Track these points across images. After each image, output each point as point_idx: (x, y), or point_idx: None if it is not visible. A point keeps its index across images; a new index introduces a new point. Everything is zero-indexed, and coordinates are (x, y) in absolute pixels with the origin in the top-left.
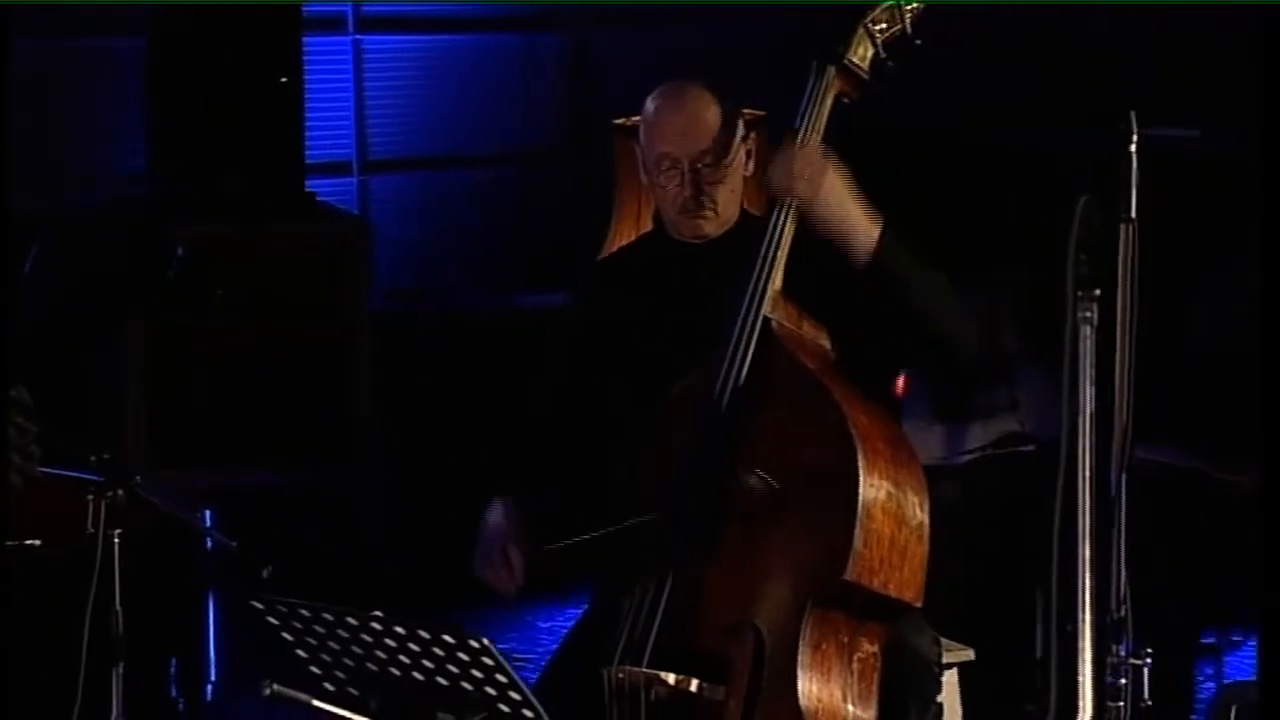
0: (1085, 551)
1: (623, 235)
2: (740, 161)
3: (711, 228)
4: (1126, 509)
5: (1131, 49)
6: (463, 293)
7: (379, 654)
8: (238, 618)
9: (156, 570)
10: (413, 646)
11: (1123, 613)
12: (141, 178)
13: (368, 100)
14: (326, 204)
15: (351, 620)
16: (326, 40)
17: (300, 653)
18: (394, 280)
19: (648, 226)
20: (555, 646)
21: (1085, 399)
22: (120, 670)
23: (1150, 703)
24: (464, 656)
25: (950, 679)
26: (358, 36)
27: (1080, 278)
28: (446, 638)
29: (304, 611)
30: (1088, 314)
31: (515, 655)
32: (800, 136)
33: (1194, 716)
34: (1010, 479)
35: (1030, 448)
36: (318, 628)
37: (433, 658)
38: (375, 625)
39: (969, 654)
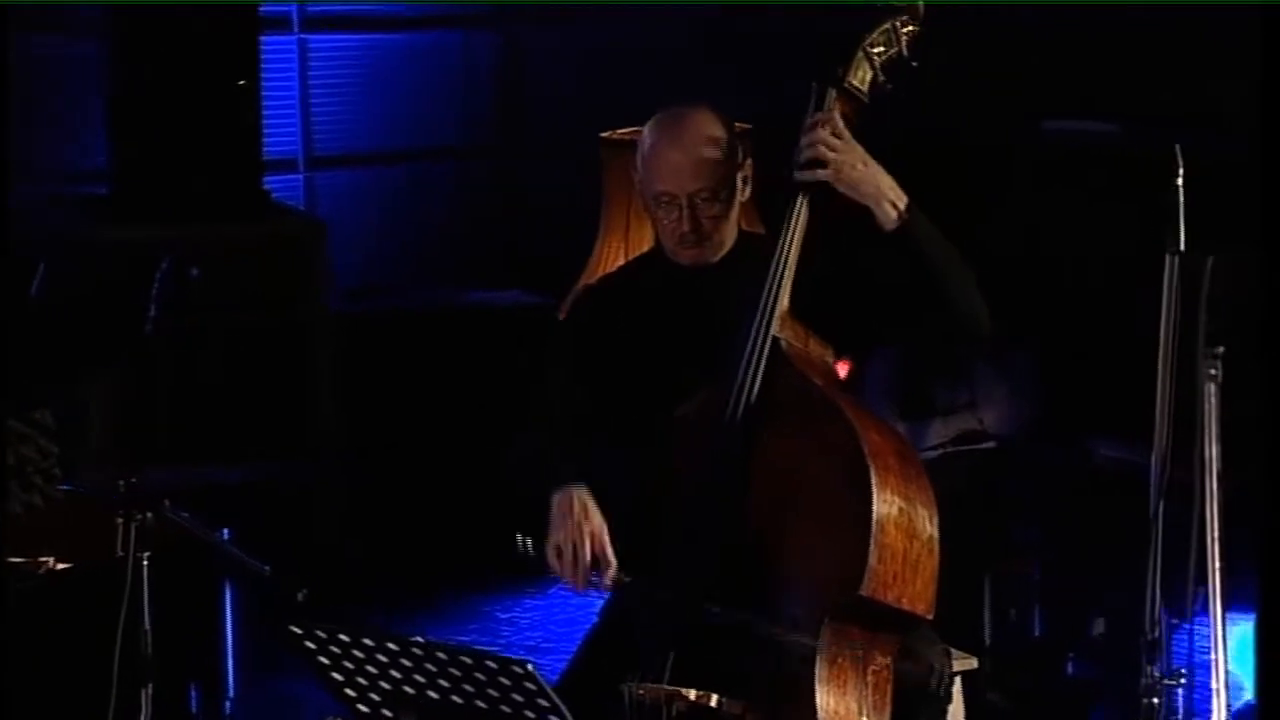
0: (1218, 608)
1: (611, 248)
2: (739, 189)
3: (711, 256)
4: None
5: (1044, 41)
6: (418, 290)
7: (418, 677)
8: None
9: (176, 589)
10: (454, 671)
11: (1157, 634)
12: (102, 175)
13: (312, 98)
14: (283, 203)
15: (392, 645)
16: (272, 40)
17: (335, 675)
18: (340, 276)
19: (637, 239)
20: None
21: (1210, 456)
22: (149, 691)
23: None
24: (506, 681)
25: (955, 687)
26: (303, 36)
27: (1208, 335)
28: (490, 663)
29: (343, 636)
30: (1213, 371)
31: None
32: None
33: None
34: (969, 475)
35: (989, 444)
36: (356, 652)
37: (474, 682)
38: (416, 650)
39: (973, 662)
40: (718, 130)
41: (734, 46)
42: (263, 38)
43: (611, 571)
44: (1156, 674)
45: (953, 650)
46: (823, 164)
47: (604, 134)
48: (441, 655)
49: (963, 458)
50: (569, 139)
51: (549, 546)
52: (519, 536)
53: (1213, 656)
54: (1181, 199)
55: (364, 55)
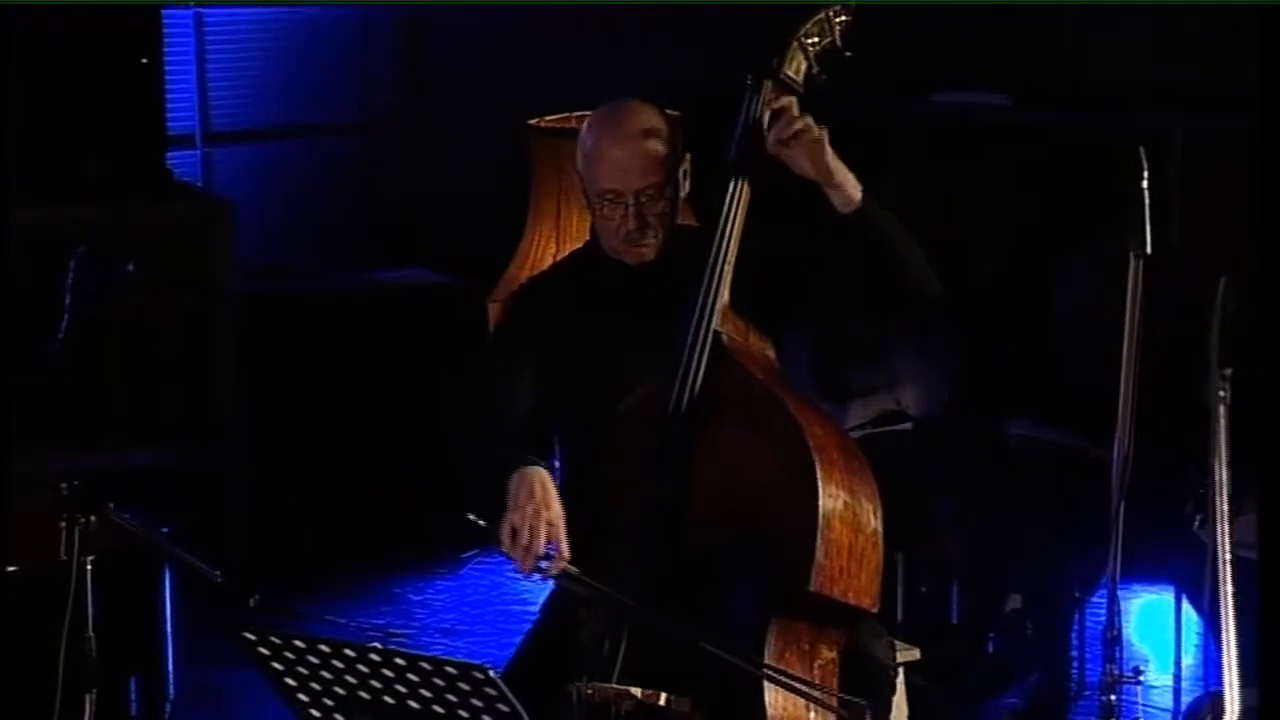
0: (1230, 621)
1: (542, 236)
2: (680, 185)
3: (653, 253)
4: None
5: (931, 12)
6: (320, 269)
7: (374, 683)
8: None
9: (115, 590)
10: (411, 676)
11: (1116, 630)
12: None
13: (210, 73)
14: (187, 183)
15: (349, 651)
16: (167, 13)
17: (289, 681)
18: (241, 253)
19: (567, 226)
20: (511, 656)
21: (1221, 478)
22: (94, 696)
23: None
24: (465, 686)
25: (899, 679)
26: (198, 9)
27: (1220, 357)
28: (449, 668)
29: (298, 643)
30: (1222, 393)
31: (392, 631)
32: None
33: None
34: (889, 456)
35: (908, 425)
36: (311, 658)
37: (432, 687)
38: (374, 656)
39: (915, 653)
40: (658, 125)
41: (635, 20)
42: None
43: (562, 561)
44: (1116, 671)
45: (896, 642)
46: (788, 142)
47: (531, 121)
48: (399, 661)
49: (882, 438)
50: (470, 114)
51: (504, 525)
52: (471, 516)
53: (1226, 678)
54: (1146, 201)
55: (262, 29)
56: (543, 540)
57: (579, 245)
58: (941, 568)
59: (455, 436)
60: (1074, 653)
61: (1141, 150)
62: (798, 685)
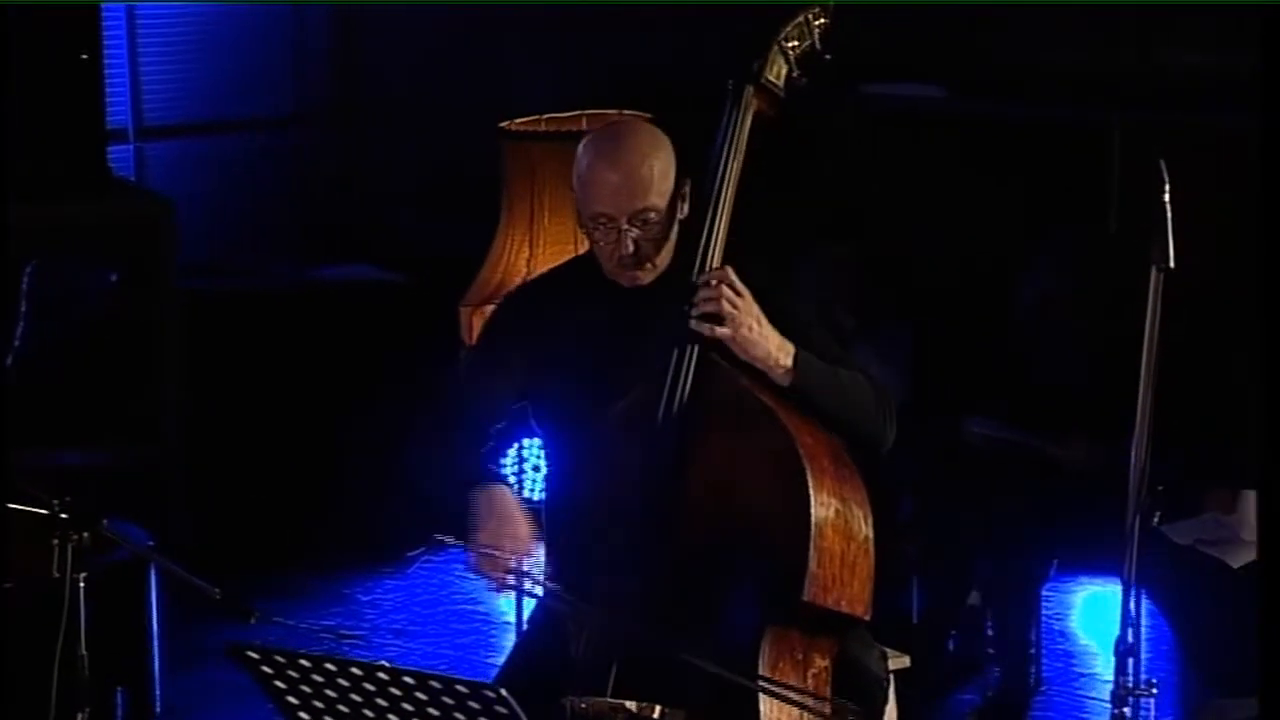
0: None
1: (515, 240)
2: (677, 209)
3: (648, 278)
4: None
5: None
6: (259, 265)
7: (380, 702)
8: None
9: (102, 602)
10: (420, 695)
11: (1131, 641)
12: None
13: (142, 67)
14: (128, 181)
15: (355, 670)
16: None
17: (290, 699)
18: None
19: (541, 231)
20: (500, 669)
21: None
22: (85, 715)
23: None
24: (475, 705)
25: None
26: (131, 4)
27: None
28: (459, 687)
29: (303, 661)
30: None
31: (343, 632)
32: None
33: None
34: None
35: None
36: (316, 676)
37: (440, 705)
38: (381, 675)
39: (905, 661)
40: (657, 149)
41: (571, 13)
42: None
43: (530, 574)
44: (1129, 683)
45: (887, 650)
46: (720, 320)
47: (503, 124)
48: (408, 679)
49: None
50: (405, 107)
51: (471, 545)
52: (438, 536)
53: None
54: (1169, 214)
55: (194, 22)
56: (510, 556)
57: (554, 249)
58: (901, 566)
59: (417, 453)
60: (1031, 650)
61: (1162, 163)
62: (791, 696)
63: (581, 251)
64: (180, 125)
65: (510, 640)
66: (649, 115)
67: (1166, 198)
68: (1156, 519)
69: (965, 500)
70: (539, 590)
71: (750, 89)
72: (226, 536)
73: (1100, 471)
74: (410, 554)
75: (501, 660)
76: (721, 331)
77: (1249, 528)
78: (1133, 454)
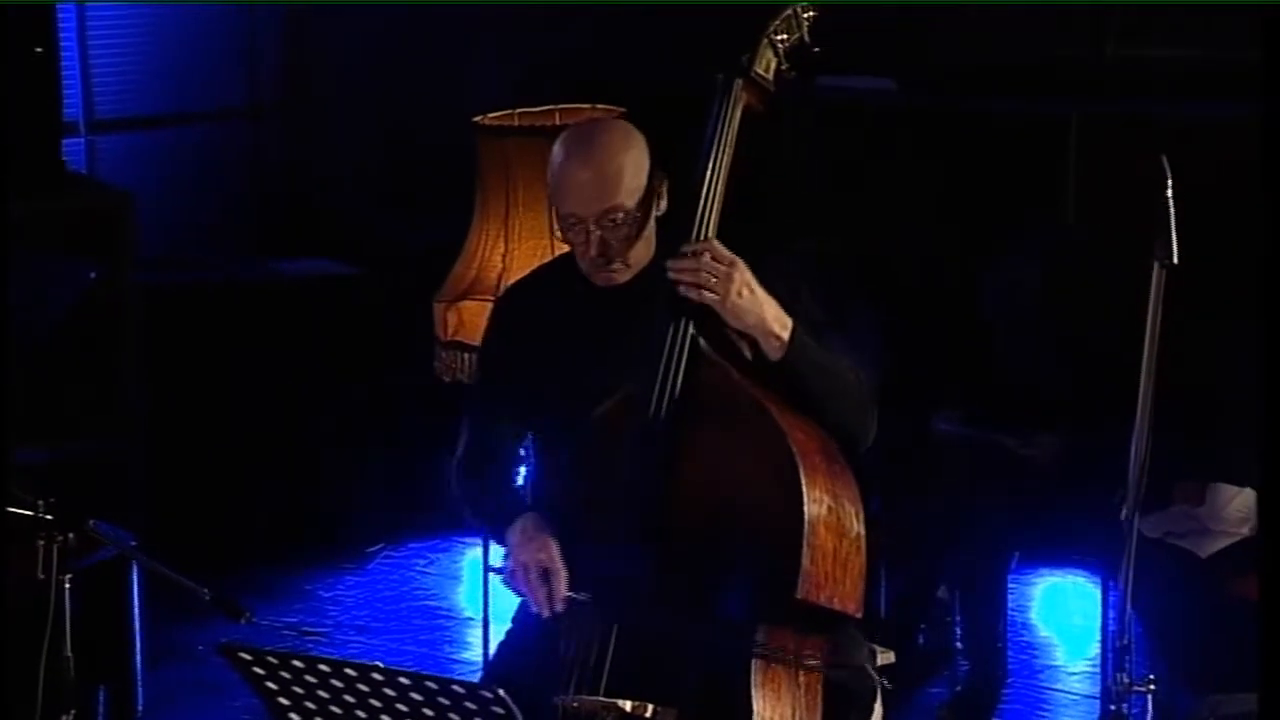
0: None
1: (489, 235)
2: (651, 207)
3: (623, 278)
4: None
5: None
6: (218, 260)
7: (374, 702)
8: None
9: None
10: (415, 696)
11: (1126, 640)
12: None
13: (92, 59)
14: (83, 174)
15: (350, 670)
16: None
17: (282, 700)
18: None
19: (517, 226)
20: (488, 668)
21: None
22: (71, 716)
23: None
24: (472, 706)
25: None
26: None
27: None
28: (456, 688)
29: (296, 662)
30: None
31: (305, 629)
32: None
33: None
34: None
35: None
36: (309, 678)
37: (436, 706)
38: (376, 675)
39: (890, 656)
40: (630, 148)
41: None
42: None
43: (562, 585)
44: (1126, 680)
45: (875, 648)
46: (704, 289)
47: (476, 118)
48: (403, 680)
49: None
50: (356, 99)
51: (509, 570)
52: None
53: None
54: (1172, 210)
55: (144, 14)
56: (540, 575)
57: (528, 243)
58: (870, 561)
59: (462, 491)
60: (999, 643)
61: (1164, 159)
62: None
63: (557, 246)
64: (132, 118)
65: (473, 636)
66: (622, 110)
67: (1170, 193)
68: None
69: (933, 494)
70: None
71: (740, 83)
72: (186, 532)
73: (1064, 464)
74: (370, 550)
75: (465, 655)
76: (710, 296)
77: (1217, 519)
78: (1133, 448)
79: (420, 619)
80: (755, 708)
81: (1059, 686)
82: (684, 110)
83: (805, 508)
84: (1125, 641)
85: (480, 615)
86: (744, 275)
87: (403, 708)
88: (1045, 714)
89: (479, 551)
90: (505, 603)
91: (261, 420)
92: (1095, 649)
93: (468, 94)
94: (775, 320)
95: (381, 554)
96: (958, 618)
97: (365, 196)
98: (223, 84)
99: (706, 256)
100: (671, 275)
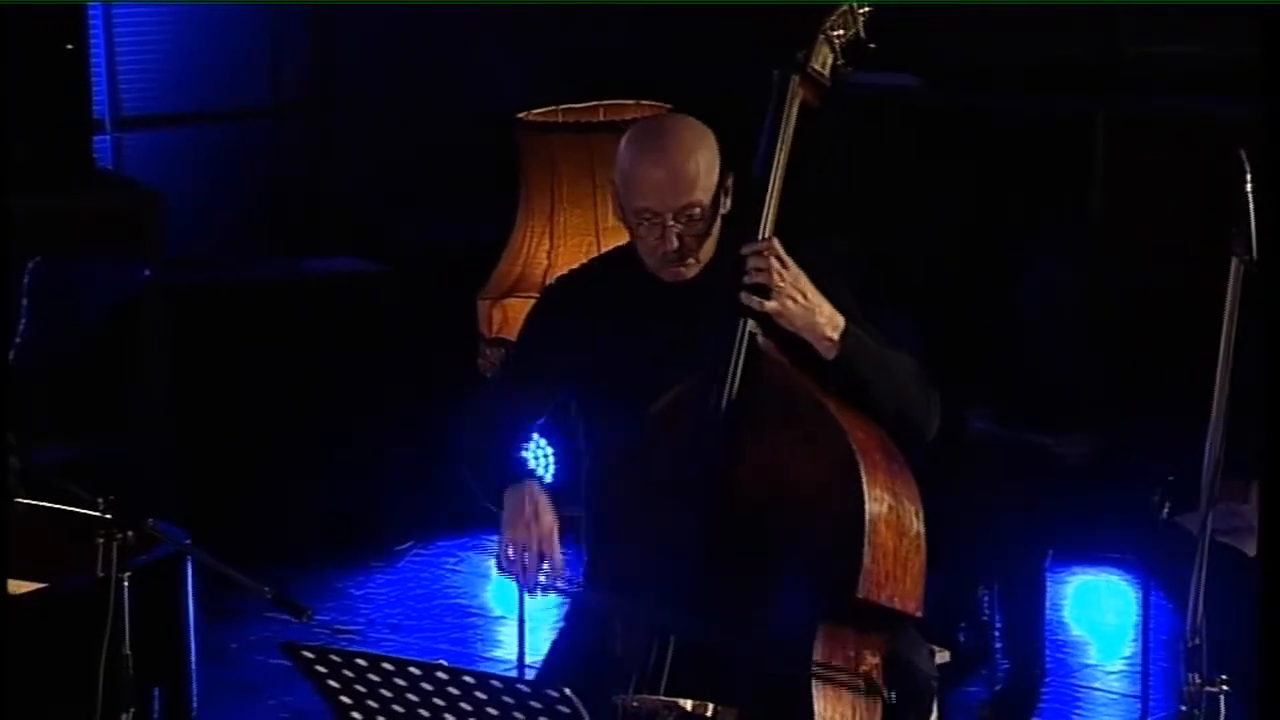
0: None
1: (534, 233)
2: (720, 203)
3: (691, 273)
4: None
5: None
6: (246, 258)
7: (437, 701)
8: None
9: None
10: (479, 695)
11: (1197, 641)
12: None
13: (119, 57)
14: (114, 172)
15: (414, 669)
16: None
17: (344, 699)
18: None
19: (562, 224)
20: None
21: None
22: (130, 715)
23: None
24: (537, 705)
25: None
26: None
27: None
28: (521, 687)
29: (360, 660)
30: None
31: (337, 626)
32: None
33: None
34: None
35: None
36: (372, 676)
37: (500, 706)
38: (440, 675)
39: (946, 656)
40: (702, 144)
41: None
42: None
43: (555, 571)
44: (1198, 680)
45: (934, 648)
46: (767, 293)
47: (520, 114)
48: (468, 679)
49: None
50: (381, 98)
51: (500, 547)
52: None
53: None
54: (1251, 205)
55: (171, 14)
56: (537, 555)
57: (574, 240)
58: None
59: (465, 448)
60: (1037, 642)
61: (1243, 153)
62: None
63: (602, 242)
64: (157, 116)
65: (504, 634)
66: (668, 106)
67: (1249, 188)
68: (1166, 510)
69: (967, 494)
70: (564, 585)
71: (796, 79)
72: (213, 532)
73: (1099, 463)
74: (399, 548)
75: (497, 653)
76: (770, 305)
77: None
78: (1207, 446)
79: (452, 617)
80: (816, 708)
81: (1097, 685)
82: (724, 107)
83: (866, 506)
84: (1196, 642)
85: (509, 613)
86: (802, 279)
87: (466, 707)
88: (1084, 713)
89: None
90: (538, 601)
91: (287, 419)
92: (1131, 647)
93: (490, 91)
94: (827, 323)
95: (411, 552)
96: (996, 617)
97: (388, 194)
98: (247, 82)
99: (772, 258)
100: (749, 264)
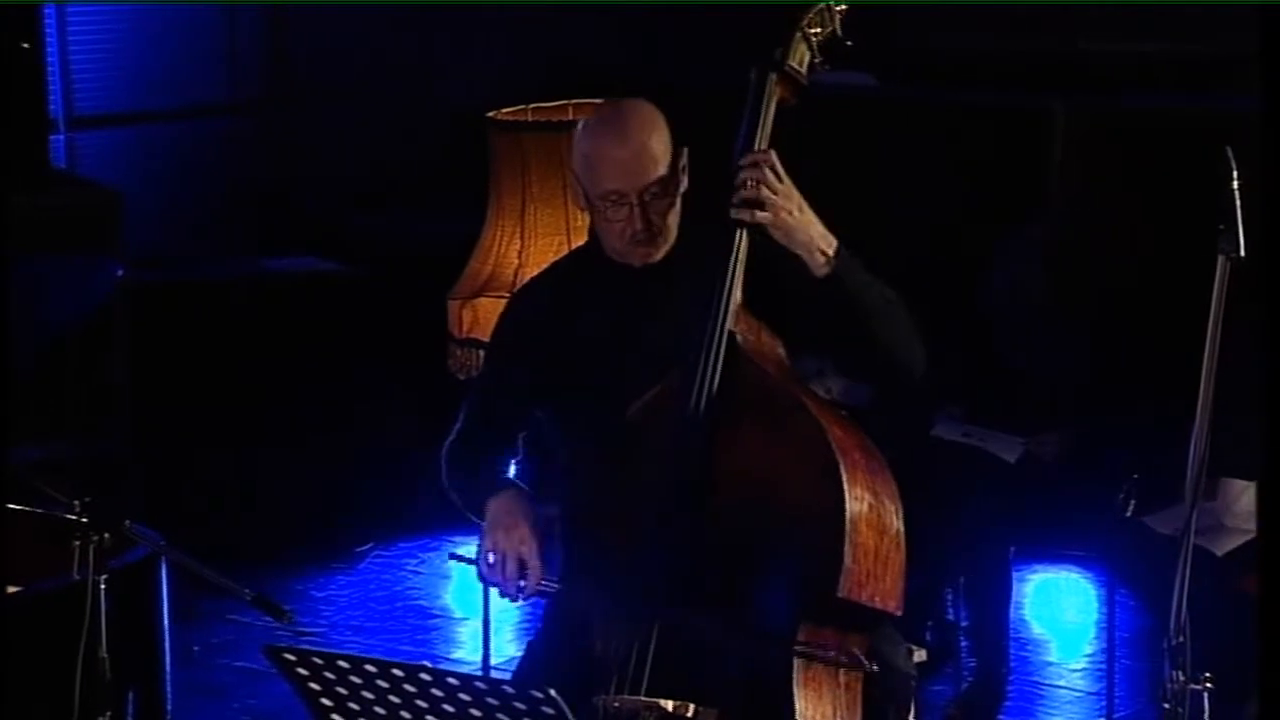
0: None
1: (505, 232)
2: (680, 181)
3: (659, 254)
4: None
5: None
6: (205, 257)
7: (420, 703)
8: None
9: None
10: (463, 697)
11: (1181, 640)
12: None
13: (72, 57)
14: (71, 172)
15: (397, 671)
16: None
17: (325, 701)
18: None
19: (533, 224)
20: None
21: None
22: (107, 718)
23: None
24: (521, 706)
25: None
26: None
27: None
28: (506, 688)
29: (342, 663)
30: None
31: (300, 629)
32: (757, 146)
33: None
34: None
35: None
36: (354, 678)
37: (484, 707)
38: (424, 676)
39: (923, 654)
40: (658, 121)
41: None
42: None
43: (536, 578)
44: (1182, 678)
45: (912, 647)
46: (760, 205)
47: (490, 114)
48: (451, 681)
49: None
50: (337, 95)
51: (479, 556)
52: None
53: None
54: (1238, 202)
55: (124, 10)
56: (516, 566)
57: (545, 240)
58: None
59: (452, 469)
60: (1004, 640)
61: (1229, 150)
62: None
63: (573, 241)
64: (111, 115)
65: (466, 635)
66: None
67: (1236, 185)
68: (1130, 509)
69: (933, 494)
70: (545, 590)
71: (774, 76)
72: (174, 531)
73: (1066, 462)
74: (360, 549)
75: (460, 655)
76: (763, 216)
77: (1231, 514)
78: (1192, 445)
79: (414, 618)
80: (797, 707)
81: (1061, 683)
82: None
83: (847, 505)
84: (1179, 641)
85: (471, 614)
86: (795, 195)
87: (450, 709)
88: (1049, 711)
89: (471, 550)
90: (502, 602)
91: (247, 420)
92: (1092, 645)
93: (453, 88)
94: (821, 238)
95: (372, 553)
96: (963, 615)
97: (347, 193)
98: (203, 81)
99: (766, 170)
100: (741, 176)
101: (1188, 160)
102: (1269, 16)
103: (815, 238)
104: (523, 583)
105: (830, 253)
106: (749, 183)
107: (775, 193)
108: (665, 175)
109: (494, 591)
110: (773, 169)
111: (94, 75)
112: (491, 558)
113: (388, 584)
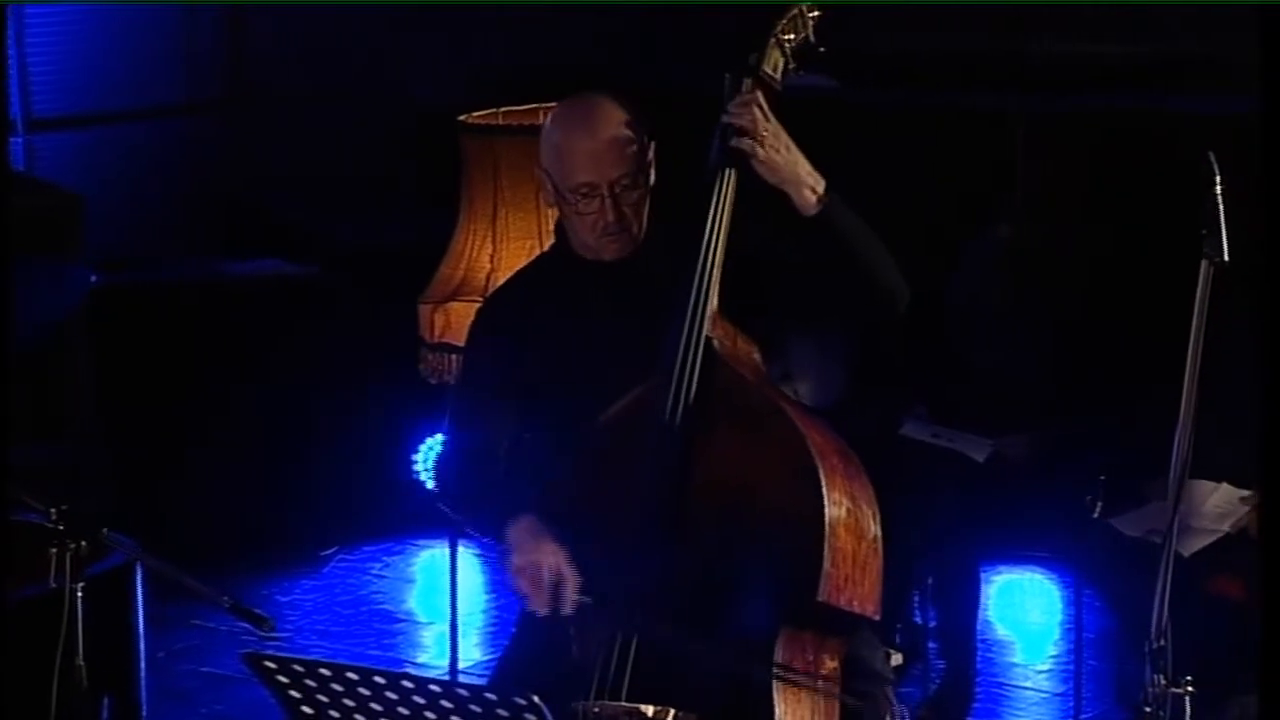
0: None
1: (476, 236)
2: (650, 172)
3: (632, 246)
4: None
5: None
6: (167, 260)
7: (401, 710)
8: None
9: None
10: (445, 704)
11: (1162, 643)
12: None
13: (29, 58)
14: (28, 175)
15: (378, 678)
16: None
17: (305, 709)
18: None
19: (504, 227)
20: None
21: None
22: None
23: None
24: (504, 713)
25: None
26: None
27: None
28: (488, 695)
29: (323, 670)
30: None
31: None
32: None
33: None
34: None
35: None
36: (335, 685)
37: (466, 714)
38: (405, 683)
39: (900, 658)
40: (627, 114)
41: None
42: None
43: (574, 588)
44: (1162, 681)
45: (889, 650)
46: (751, 135)
47: (461, 117)
48: (434, 688)
49: None
50: (297, 96)
51: (511, 571)
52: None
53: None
54: (1221, 207)
55: (82, 13)
56: (555, 582)
57: (517, 244)
58: None
59: (454, 490)
60: (972, 642)
61: (1212, 155)
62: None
63: (545, 245)
64: (69, 117)
65: (432, 639)
66: None
67: (1219, 190)
68: (1097, 510)
69: (906, 493)
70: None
71: (749, 82)
72: (138, 536)
73: (1033, 465)
74: (324, 553)
75: (425, 659)
76: (747, 143)
77: (1198, 515)
78: (1175, 446)
79: (380, 622)
80: (777, 711)
81: (1028, 685)
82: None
83: (826, 509)
84: (1160, 644)
85: (436, 619)
86: (783, 135)
87: (431, 715)
88: (1016, 712)
89: (434, 554)
90: (467, 605)
91: (209, 423)
92: (1057, 646)
93: (415, 90)
94: (810, 175)
95: (336, 558)
96: (931, 617)
97: (309, 194)
98: (163, 81)
99: (754, 107)
100: (728, 118)
101: (1151, 162)
102: (1269, 17)
103: (804, 175)
104: (558, 596)
105: (820, 190)
106: (736, 114)
107: (765, 130)
108: (635, 166)
109: (460, 594)
110: (760, 106)
111: (52, 76)
112: (527, 569)
113: (352, 588)
